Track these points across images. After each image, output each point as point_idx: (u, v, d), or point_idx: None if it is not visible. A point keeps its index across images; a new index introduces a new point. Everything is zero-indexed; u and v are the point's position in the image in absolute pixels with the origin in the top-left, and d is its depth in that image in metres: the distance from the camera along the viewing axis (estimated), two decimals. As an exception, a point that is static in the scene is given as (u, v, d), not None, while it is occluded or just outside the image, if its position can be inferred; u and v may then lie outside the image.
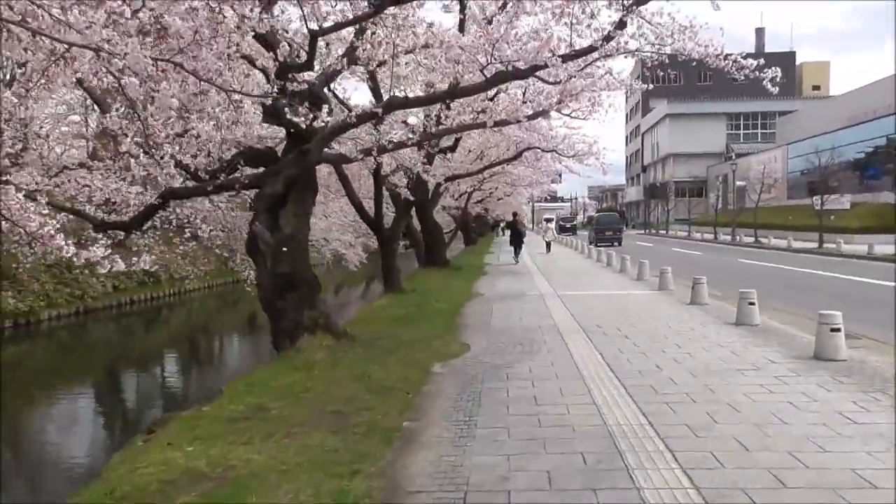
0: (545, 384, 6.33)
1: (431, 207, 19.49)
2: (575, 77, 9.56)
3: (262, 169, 8.80)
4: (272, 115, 8.07)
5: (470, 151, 19.80)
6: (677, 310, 11.03)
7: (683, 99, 76.28)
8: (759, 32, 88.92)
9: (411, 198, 14.80)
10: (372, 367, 6.95)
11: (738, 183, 47.94)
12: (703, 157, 70.53)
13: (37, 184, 10.81)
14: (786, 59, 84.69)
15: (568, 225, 69.00)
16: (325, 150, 8.83)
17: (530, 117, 9.98)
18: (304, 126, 8.40)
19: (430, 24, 8.27)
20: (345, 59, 8.61)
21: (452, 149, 16.49)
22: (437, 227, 19.51)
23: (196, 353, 16.12)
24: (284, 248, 8.15)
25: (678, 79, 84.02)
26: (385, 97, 9.79)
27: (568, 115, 16.57)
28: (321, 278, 9.00)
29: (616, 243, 37.15)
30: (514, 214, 31.12)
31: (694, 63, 8.02)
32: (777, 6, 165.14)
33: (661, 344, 8.15)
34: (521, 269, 21.75)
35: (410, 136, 9.03)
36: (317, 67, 8.77)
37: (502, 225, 67.24)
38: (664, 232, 58.11)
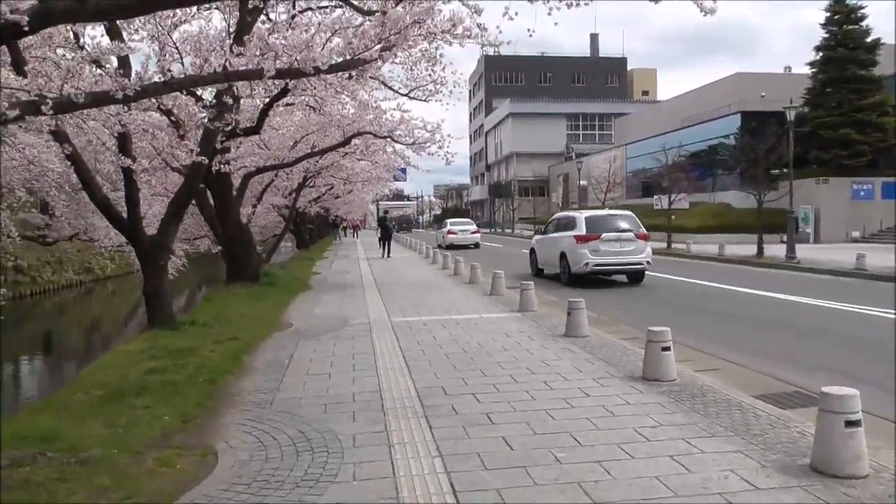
0: None
1: (236, 206, 15.30)
2: (401, 6, 6.17)
3: None
4: None
5: (282, 133, 15.93)
6: (554, 350, 7.90)
7: (525, 98, 76.31)
8: (594, 38, 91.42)
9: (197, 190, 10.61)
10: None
11: (581, 182, 47.43)
12: (545, 157, 70.67)
13: None
14: (618, 65, 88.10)
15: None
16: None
17: (335, 68, 6.36)
18: None
19: None
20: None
21: (255, 130, 12.52)
22: (241, 230, 15.30)
23: None
24: None
25: (520, 79, 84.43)
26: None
27: (406, 95, 13.40)
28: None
29: (407, 231, 68.61)
30: (386, 212, 35.85)
31: None
32: (608, 20, 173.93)
33: (552, 436, 4.87)
34: (355, 280, 18.13)
35: (121, 87, 5.09)
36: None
37: (343, 225, 63.39)
38: (510, 231, 56.83)
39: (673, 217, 30.53)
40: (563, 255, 16.18)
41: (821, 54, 35.63)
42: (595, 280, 16.40)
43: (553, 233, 17.63)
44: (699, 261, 23.62)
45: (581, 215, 16.75)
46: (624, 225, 16.18)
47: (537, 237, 19.42)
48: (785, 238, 22.10)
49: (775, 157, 24.22)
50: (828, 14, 35.36)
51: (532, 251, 19.12)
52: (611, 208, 25.25)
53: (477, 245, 34.63)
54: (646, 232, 16.48)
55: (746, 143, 26.96)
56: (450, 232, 35.04)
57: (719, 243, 25.68)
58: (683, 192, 33.80)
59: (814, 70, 36.13)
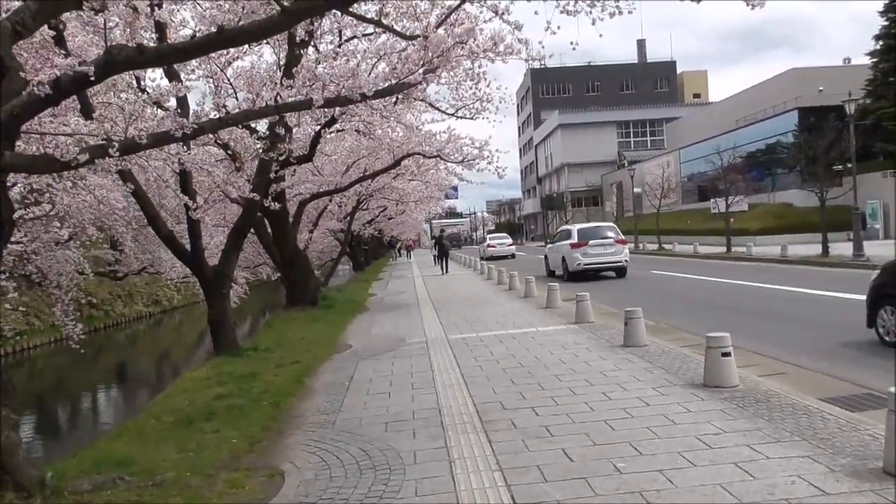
0: None
1: (293, 233, 15.71)
2: (442, 28, 6.31)
3: None
4: None
5: (334, 158, 16.31)
6: (612, 360, 7.85)
7: (574, 109, 75.82)
8: (641, 43, 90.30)
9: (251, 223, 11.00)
10: None
11: (635, 189, 46.74)
12: (597, 166, 69.93)
13: None
14: (667, 69, 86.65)
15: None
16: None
17: (381, 93, 6.55)
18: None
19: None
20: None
21: (307, 158, 12.87)
22: (298, 256, 15.71)
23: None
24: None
25: (567, 90, 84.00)
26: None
27: (453, 115, 13.55)
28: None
29: (457, 247, 66.41)
30: (442, 230, 39.98)
31: None
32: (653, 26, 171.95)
33: (612, 447, 4.86)
34: (411, 299, 18.32)
35: (180, 126, 5.36)
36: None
37: (399, 246, 63.97)
38: (564, 243, 56.30)
39: (732, 220, 29.80)
40: (563, 259, 20.84)
41: (881, 43, 34.37)
42: (598, 276, 20.28)
43: (558, 242, 22.20)
44: (761, 263, 22.98)
45: (574, 227, 21.42)
46: (607, 233, 20.58)
47: (549, 246, 24.09)
48: (851, 235, 21.28)
49: (836, 152, 23.41)
50: (886, 1, 34.11)
51: (545, 257, 23.63)
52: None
53: (513, 255, 41.13)
54: (624, 238, 20.82)
55: (805, 140, 26.15)
56: (489, 245, 42.97)
57: (782, 244, 24.92)
58: (741, 194, 32.92)
59: (874, 60, 34.84)
